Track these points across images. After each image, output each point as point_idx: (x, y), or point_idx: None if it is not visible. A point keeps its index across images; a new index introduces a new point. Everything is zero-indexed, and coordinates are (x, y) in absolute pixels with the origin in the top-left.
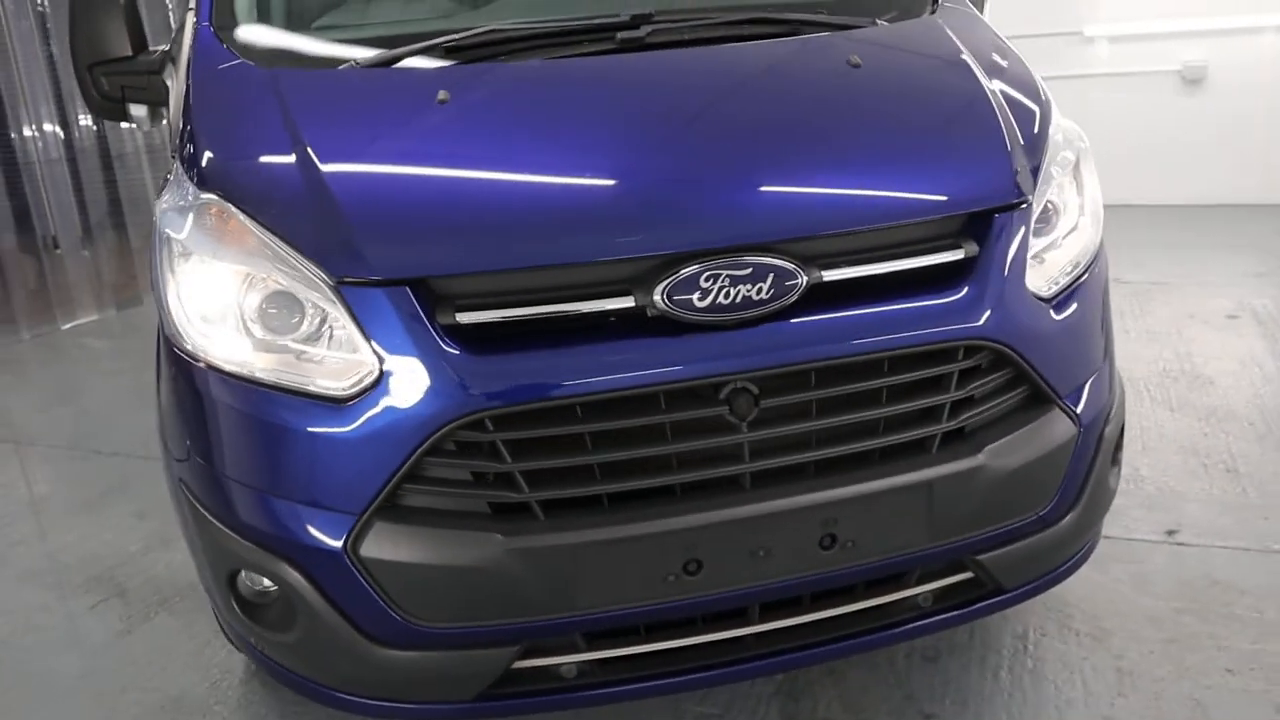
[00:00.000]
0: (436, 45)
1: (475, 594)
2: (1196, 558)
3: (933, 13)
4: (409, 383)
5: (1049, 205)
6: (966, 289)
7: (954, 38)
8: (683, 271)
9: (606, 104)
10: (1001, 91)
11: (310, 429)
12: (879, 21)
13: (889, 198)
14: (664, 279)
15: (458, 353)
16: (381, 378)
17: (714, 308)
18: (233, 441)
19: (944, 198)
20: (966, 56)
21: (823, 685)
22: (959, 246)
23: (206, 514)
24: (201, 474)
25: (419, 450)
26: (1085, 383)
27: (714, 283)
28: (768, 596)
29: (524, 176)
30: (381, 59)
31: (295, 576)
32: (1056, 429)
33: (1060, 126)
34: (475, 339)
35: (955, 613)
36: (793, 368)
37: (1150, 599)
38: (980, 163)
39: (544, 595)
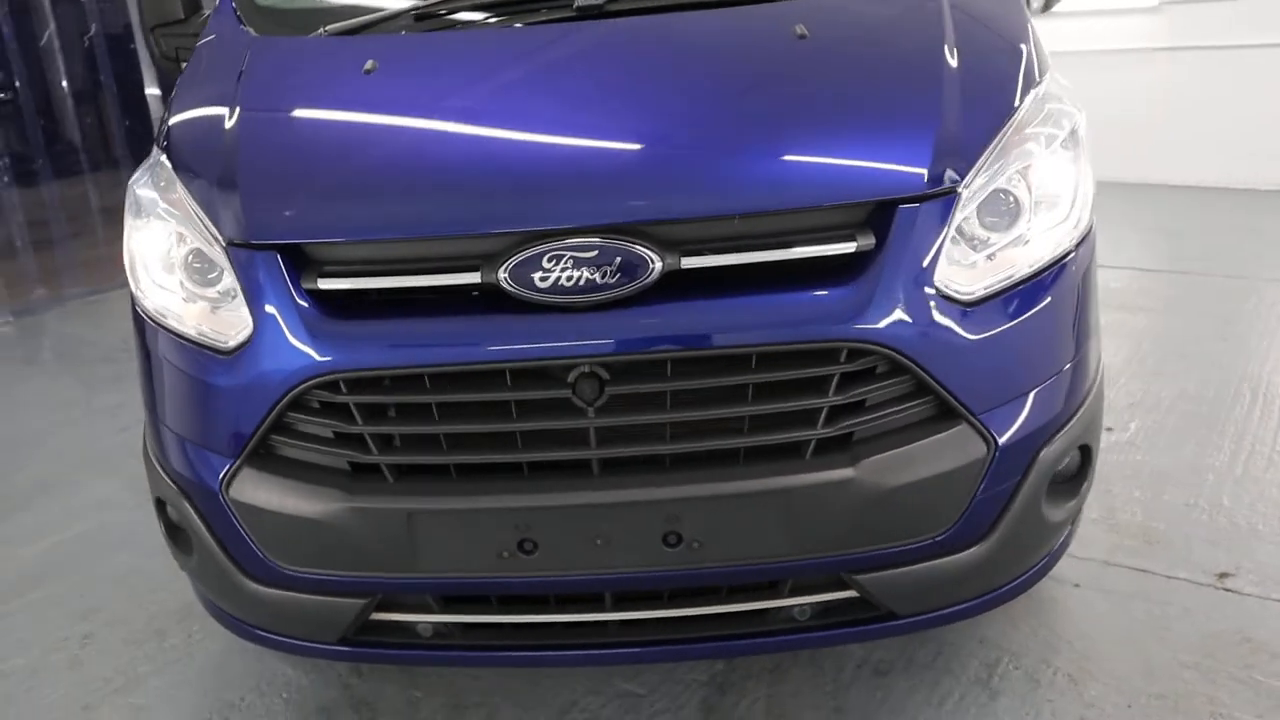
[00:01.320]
0: (400, 14)
1: (325, 545)
2: (1239, 608)
3: None
4: (275, 341)
5: (1003, 196)
6: (856, 285)
7: (942, 6)
8: (525, 251)
9: (507, 79)
10: (964, 72)
11: (202, 378)
12: None
13: (769, 183)
14: (507, 257)
15: (317, 315)
16: (255, 334)
17: (555, 289)
18: (157, 384)
19: (835, 185)
20: (937, 30)
21: (757, 682)
22: (852, 239)
23: (146, 446)
24: (146, 411)
25: (280, 404)
26: (1019, 397)
27: (556, 264)
28: (616, 586)
29: (400, 148)
30: (343, 28)
31: (189, 510)
32: (960, 447)
33: (1048, 111)
34: (335, 304)
35: (840, 631)
36: (643, 356)
37: (1160, 646)
38: (891, 149)
39: (386, 554)
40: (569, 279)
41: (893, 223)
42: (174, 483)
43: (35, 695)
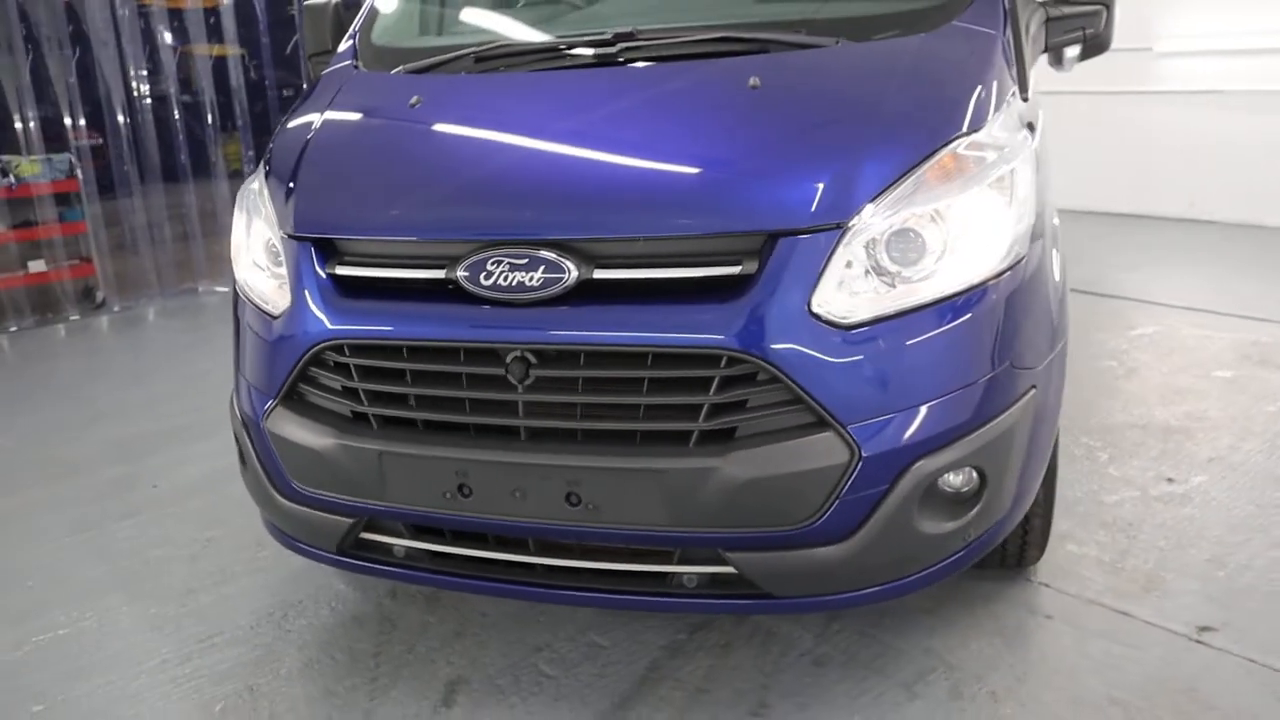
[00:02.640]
0: (455, 58)
1: (323, 471)
2: (1202, 662)
3: (933, 31)
4: (303, 311)
5: (911, 234)
6: (739, 302)
7: (901, 58)
8: (476, 256)
9: (495, 120)
10: (879, 124)
11: (262, 336)
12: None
13: (670, 213)
14: (464, 260)
15: (334, 294)
16: (291, 305)
17: (495, 288)
18: (240, 342)
19: (725, 218)
20: (876, 84)
21: (706, 654)
22: (738, 263)
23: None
24: (234, 366)
25: (303, 359)
26: (895, 414)
27: (497, 267)
28: (531, 534)
29: (404, 169)
30: (414, 67)
31: (245, 437)
32: (823, 452)
33: (977, 158)
34: (347, 285)
35: (722, 601)
36: (560, 347)
37: (1099, 682)
38: (782, 188)
39: (364, 483)
40: (506, 280)
41: (774, 253)
42: (240, 416)
43: (158, 579)
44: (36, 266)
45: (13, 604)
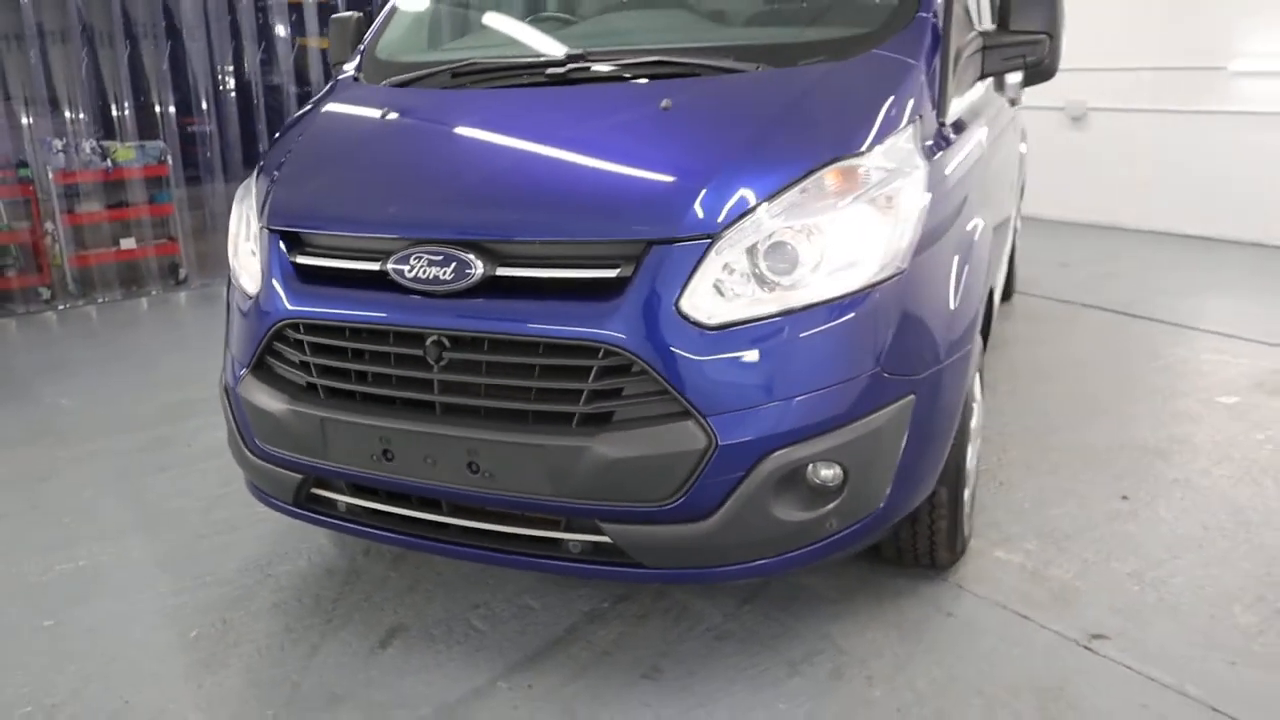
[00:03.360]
0: (432, 74)
1: (279, 432)
2: (1081, 666)
3: (853, 58)
4: (271, 292)
5: (786, 245)
6: (617, 301)
7: (809, 84)
8: (402, 251)
9: (451, 129)
10: (762, 147)
11: (241, 313)
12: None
13: (560, 220)
14: (395, 254)
15: (295, 278)
16: (263, 287)
17: (416, 280)
18: (229, 318)
19: (606, 226)
20: (772, 108)
21: (622, 621)
22: (615, 266)
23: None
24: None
25: (268, 334)
26: (755, 408)
27: (419, 262)
28: (441, 496)
29: (354, 173)
30: (397, 81)
31: (225, 399)
32: (682, 438)
33: (863, 177)
34: (306, 272)
35: (601, 567)
36: (467, 334)
37: (973, 674)
38: (659, 202)
39: (311, 445)
40: (426, 274)
41: (646, 259)
42: (223, 383)
43: (173, 525)
44: (127, 244)
45: (47, 537)
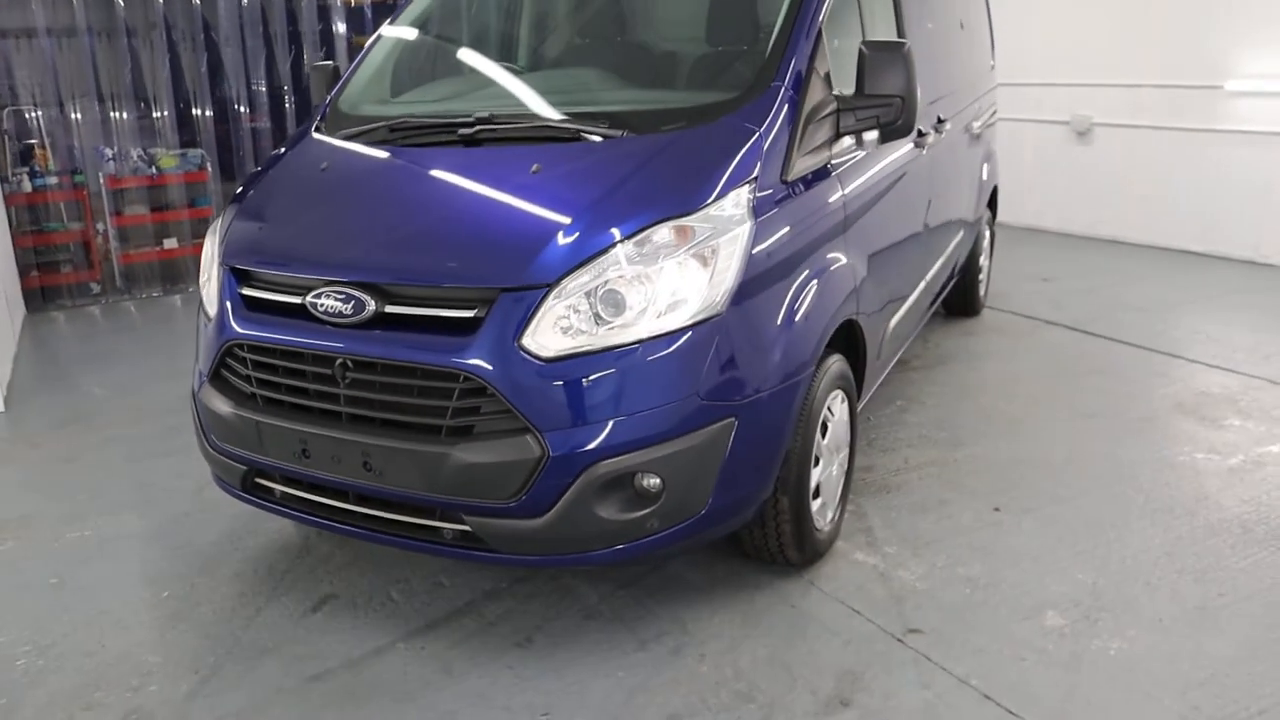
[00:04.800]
0: (372, 129)
1: (227, 431)
2: (884, 654)
3: (705, 125)
4: (224, 317)
5: (614, 291)
6: (474, 336)
7: (661, 149)
8: (319, 288)
9: (367, 184)
10: (597, 210)
11: (204, 332)
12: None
13: (431, 269)
14: (312, 290)
15: (242, 307)
16: (218, 311)
17: (327, 312)
18: (198, 335)
19: (465, 276)
20: (615, 173)
21: (514, 598)
22: (472, 308)
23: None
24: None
25: (220, 352)
26: (581, 426)
27: (328, 299)
28: (356, 489)
29: (294, 221)
30: (345, 134)
31: (191, 403)
32: (521, 449)
33: (689, 231)
34: (249, 302)
35: (467, 551)
36: (364, 358)
37: (790, 656)
38: (507, 257)
39: (249, 442)
40: (333, 308)
41: (495, 302)
42: (191, 389)
43: (168, 503)
44: (170, 244)
45: (61, 510)
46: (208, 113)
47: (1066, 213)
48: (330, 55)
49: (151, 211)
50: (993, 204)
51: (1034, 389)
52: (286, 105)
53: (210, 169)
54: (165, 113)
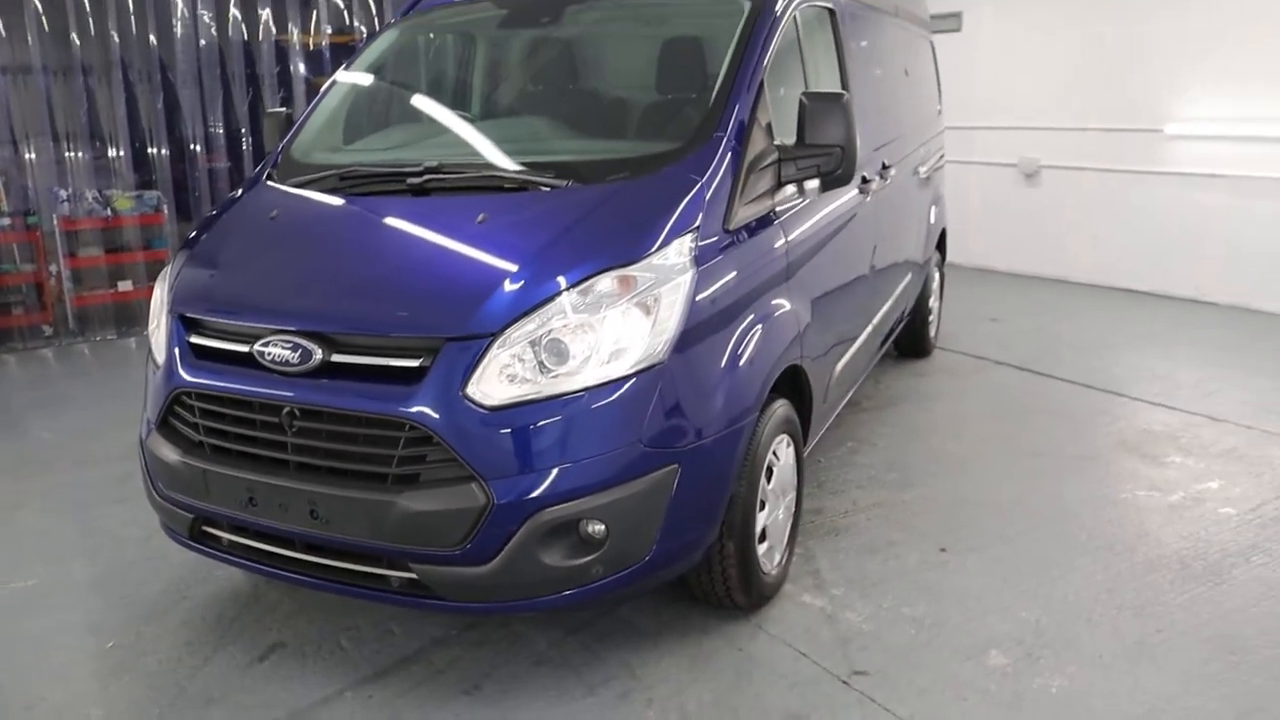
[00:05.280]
0: (322, 178)
1: (174, 479)
2: (829, 696)
3: (649, 175)
4: (172, 365)
5: (557, 341)
6: (420, 385)
7: (604, 200)
8: (267, 337)
9: (314, 234)
10: (538, 260)
11: (152, 379)
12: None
13: (376, 320)
14: (259, 339)
15: (189, 354)
16: (166, 359)
17: (274, 361)
18: (146, 380)
19: (409, 326)
20: (554, 226)
21: (461, 646)
22: (418, 357)
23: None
24: None
25: (168, 399)
26: (526, 474)
27: (275, 347)
28: (303, 538)
29: (242, 270)
30: (295, 182)
31: (140, 450)
32: (466, 497)
33: (630, 281)
34: (197, 350)
35: (414, 598)
36: (311, 407)
37: (737, 700)
38: (449, 308)
39: (195, 490)
40: (280, 357)
41: (439, 353)
42: (139, 437)
43: (115, 552)
44: (124, 286)
45: (6, 559)
46: (164, 152)
47: (1015, 253)
48: (289, 97)
49: (106, 253)
50: (942, 246)
51: (982, 429)
52: (244, 146)
53: (166, 210)
54: (121, 153)
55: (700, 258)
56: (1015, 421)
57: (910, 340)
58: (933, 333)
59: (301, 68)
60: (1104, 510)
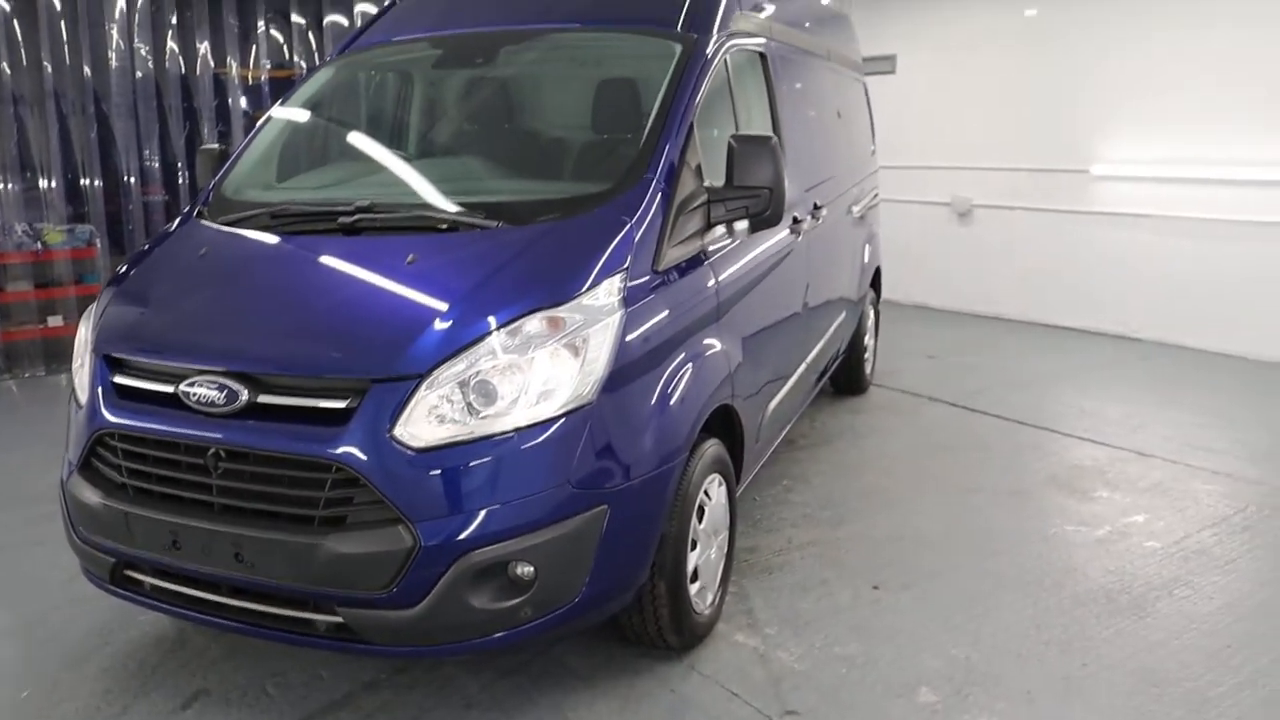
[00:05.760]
0: (253, 216)
1: (97, 522)
2: None
3: (579, 216)
4: (94, 405)
5: (485, 382)
6: (346, 426)
7: (534, 241)
8: (192, 377)
9: (241, 273)
10: (466, 302)
11: (74, 419)
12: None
13: (302, 359)
14: (184, 379)
15: (112, 394)
16: (89, 399)
17: (200, 401)
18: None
19: (335, 367)
20: (484, 268)
21: (391, 690)
22: (345, 398)
23: None
24: None
25: (90, 440)
26: (453, 515)
27: (200, 387)
28: (227, 581)
29: (167, 309)
30: (226, 219)
31: (60, 492)
32: (393, 539)
33: (559, 322)
34: (120, 390)
35: (342, 643)
36: (236, 448)
37: None
38: (375, 349)
39: (117, 533)
40: (205, 397)
41: (366, 394)
42: (60, 479)
43: (35, 595)
44: (54, 321)
45: None
46: (98, 185)
47: (951, 290)
48: (227, 130)
49: (36, 288)
50: (876, 284)
51: (916, 465)
52: (181, 180)
53: (99, 244)
54: (53, 184)
55: (629, 298)
56: (949, 457)
57: (846, 377)
58: (869, 370)
59: (241, 102)
60: (1033, 545)
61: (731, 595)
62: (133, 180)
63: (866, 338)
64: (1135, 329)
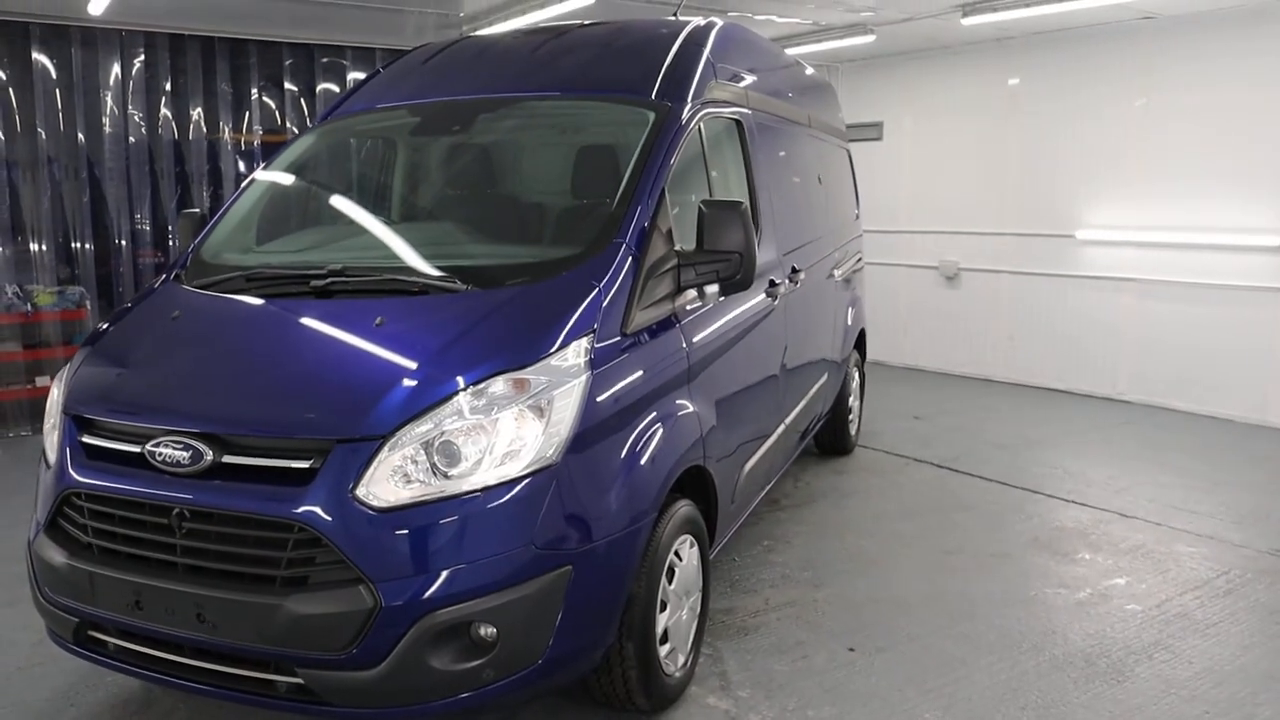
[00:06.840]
0: (227, 279)
1: (61, 582)
2: None
3: (547, 280)
4: (63, 465)
5: (449, 443)
6: (307, 488)
7: (498, 305)
8: (158, 437)
9: (210, 337)
10: (430, 367)
11: (43, 479)
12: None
13: (265, 421)
14: (150, 440)
15: (80, 454)
16: (57, 459)
17: (165, 461)
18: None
19: (296, 427)
20: (448, 333)
21: None
22: (308, 459)
23: None
24: None
25: (57, 500)
26: (415, 576)
27: (166, 447)
28: (189, 642)
29: (136, 371)
30: (199, 283)
31: (27, 552)
32: (354, 599)
33: (525, 384)
34: (88, 450)
35: (302, 704)
36: (200, 508)
37: None
38: (338, 411)
39: (80, 593)
40: (170, 457)
41: (328, 455)
42: (28, 538)
43: (5, 655)
44: (43, 382)
45: None
46: (89, 247)
47: (939, 352)
48: (219, 193)
49: (25, 348)
50: (861, 346)
51: (898, 526)
52: (172, 242)
53: (89, 306)
54: (44, 247)
55: (597, 360)
56: (931, 519)
57: (831, 438)
58: (854, 430)
59: (234, 165)
60: (1013, 608)
61: (705, 657)
62: (124, 243)
63: (851, 399)
64: (1121, 391)
